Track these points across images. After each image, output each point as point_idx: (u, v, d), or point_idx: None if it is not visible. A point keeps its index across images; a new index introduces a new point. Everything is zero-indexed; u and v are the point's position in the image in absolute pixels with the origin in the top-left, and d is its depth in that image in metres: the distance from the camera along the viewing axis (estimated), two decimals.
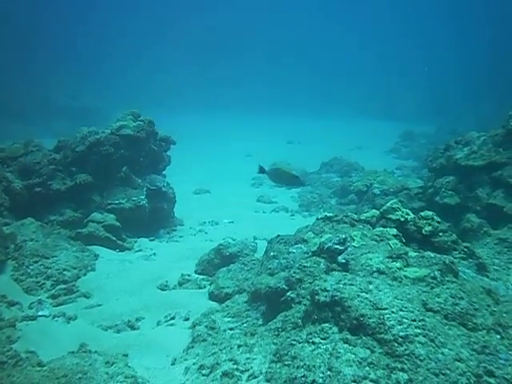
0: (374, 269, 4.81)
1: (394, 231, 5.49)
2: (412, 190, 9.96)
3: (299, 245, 6.02)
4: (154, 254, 8.36)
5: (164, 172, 10.68)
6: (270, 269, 5.90)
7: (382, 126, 29.90)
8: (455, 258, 5.44)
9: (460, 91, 33.39)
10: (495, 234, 6.89)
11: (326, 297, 4.31)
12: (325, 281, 4.54)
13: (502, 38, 39.75)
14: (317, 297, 4.37)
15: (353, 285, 4.38)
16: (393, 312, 4.03)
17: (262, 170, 6.52)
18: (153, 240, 9.21)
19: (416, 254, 5.05)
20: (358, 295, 4.21)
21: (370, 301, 4.14)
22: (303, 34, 55.88)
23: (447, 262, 4.78)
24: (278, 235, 6.48)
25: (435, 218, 5.65)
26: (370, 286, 4.39)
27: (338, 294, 4.24)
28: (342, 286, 4.37)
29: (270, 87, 42.03)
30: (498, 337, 3.98)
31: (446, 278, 4.68)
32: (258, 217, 11.86)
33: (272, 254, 6.16)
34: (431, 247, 5.52)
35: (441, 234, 5.55)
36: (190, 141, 22.44)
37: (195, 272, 7.57)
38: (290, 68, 47.00)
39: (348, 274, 4.73)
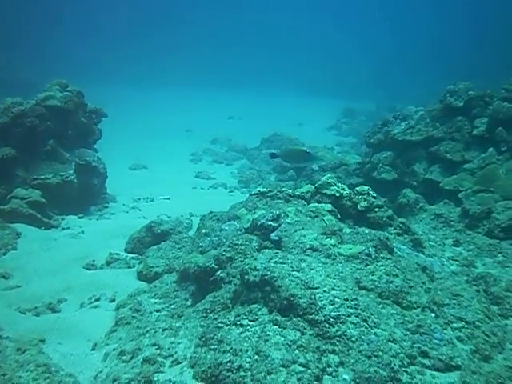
0: (308, 246, 4.59)
1: (329, 207, 5.30)
2: (350, 165, 9.85)
3: (232, 221, 5.75)
4: (83, 231, 7.86)
5: (95, 146, 10.12)
6: (201, 247, 5.62)
7: (325, 104, 29.92)
8: (391, 233, 5.32)
9: (400, 68, 33.83)
10: (431, 209, 6.83)
11: (255, 276, 4.05)
12: (255, 259, 4.28)
13: (442, 18, 40.51)
14: (246, 276, 4.11)
15: (284, 263, 4.14)
16: (325, 291, 3.82)
17: (273, 156, 6.26)
18: (82, 217, 8.69)
19: (351, 230, 4.87)
20: (289, 274, 3.97)
21: (302, 280, 3.91)
22: (254, 7, 54.91)
23: (382, 238, 4.62)
24: (211, 212, 6.19)
25: (371, 193, 5.49)
26: (302, 265, 4.16)
27: (269, 273, 3.99)
28: (272, 264, 4.12)
29: (216, 62, 41.17)
30: (433, 315, 3.85)
31: (381, 255, 4.52)
32: (196, 193, 11.54)
33: (204, 231, 5.87)
34: (367, 223, 5.37)
35: (376, 209, 5.40)
36: (131, 116, 21.74)
37: (125, 250, 7.15)
38: (238, 41, 46.23)
39: (280, 251, 4.49)
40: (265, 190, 5.84)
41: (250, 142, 17.18)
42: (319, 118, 24.87)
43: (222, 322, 3.87)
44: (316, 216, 5.16)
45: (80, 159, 8.99)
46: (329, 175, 5.70)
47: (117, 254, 6.83)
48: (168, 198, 10.64)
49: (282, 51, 44.31)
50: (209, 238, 5.67)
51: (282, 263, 4.15)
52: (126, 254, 6.95)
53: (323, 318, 3.55)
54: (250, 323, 3.74)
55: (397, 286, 4.18)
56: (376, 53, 40.37)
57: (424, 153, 8.38)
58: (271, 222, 5.09)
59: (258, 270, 4.11)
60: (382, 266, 4.41)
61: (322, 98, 32.27)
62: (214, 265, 4.86)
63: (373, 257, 4.47)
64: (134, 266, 6.57)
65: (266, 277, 3.97)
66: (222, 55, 41.82)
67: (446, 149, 8.02)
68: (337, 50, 43.37)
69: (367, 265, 4.40)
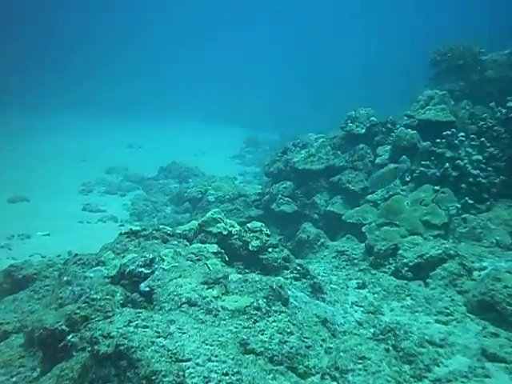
0: (184, 299, 3.67)
1: (215, 248, 4.43)
2: (250, 196, 9.10)
3: (99, 267, 4.72)
4: None
5: None
6: (60, 298, 4.55)
7: (230, 132, 29.32)
8: (287, 278, 4.52)
9: (305, 99, 34.05)
10: (333, 245, 6.15)
11: (108, 346, 3.06)
12: (110, 322, 3.29)
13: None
14: (96, 346, 3.10)
15: (147, 327, 3.19)
16: (198, 364, 2.93)
17: None
18: None
19: (239, 277, 4.01)
20: (153, 342, 3.02)
21: (169, 350, 2.98)
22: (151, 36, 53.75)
23: (275, 286, 3.80)
24: (76, 254, 5.11)
25: (264, 230, 4.68)
26: (172, 328, 3.23)
27: (125, 341, 3.01)
28: (132, 329, 3.15)
29: (115, 87, 39.44)
30: None
31: (273, 308, 3.70)
32: (81, 228, 10.36)
33: (65, 278, 4.78)
34: (259, 266, 4.55)
35: (270, 249, 4.59)
36: (16, 140, 19.97)
37: None
38: (139, 68, 44.71)
39: (144, 310, 3.53)
40: (138, 228, 4.87)
41: (148, 172, 16.14)
42: (224, 147, 24.20)
43: None
44: (198, 259, 4.27)
45: None
46: (215, 210, 4.83)
47: None
48: (48, 235, 9.50)
49: (188, 77, 43.47)
50: (70, 288, 4.61)
51: (144, 327, 3.20)
52: None
53: None
54: None
55: (292, 348, 3.38)
56: (283, 81, 40.60)
57: (326, 183, 7.78)
58: (143, 269, 4.14)
59: (112, 337, 3.12)
60: (274, 321, 3.59)
61: (228, 126, 31.71)
62: (64, 326, 3.80)
63: (263, 311, 3.63)
64: None
65: (122, 347, 2.99)
66: (122, 80, 40.27)
67: (348, 178, 7.45)
68: (242, 77, 43.22)
69: (256, 321, 3.56)
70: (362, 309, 4.80)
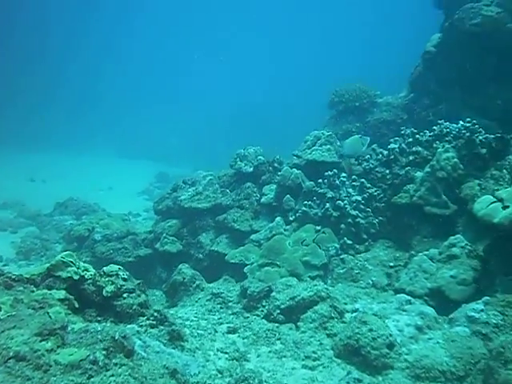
0: (12, 353, 3.30)
1: (63, 294, 4.08)
2: (139, 235, 8.75)
3: None
4: None
5: None
6: None
7: (139, 167, 28.80)
8: (141, 326, 4.24)
9: (219, 135, 34.06)
10: (209, 287, 5.94)
11: None
12: None
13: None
14: None
15: None
16: None
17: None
18: None
19: (81, 326, 3.70)
20: None
21: None
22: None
23: (117, 336, 3.51)
24: None
25: (121, 274, 4.39)
26: None
27: None
28: None
29: (29, 118, 37.63)
30: None
31: (113, 361, 3.40)
32: None
33: None
34: (113, 312, 4.25)
35: (125, 295, 4.30)
36: None
37: None
38: (45, 97, 42.82)
39: None
40: None
41: (49, 208, 15.34)
42: (132, 181, 23.65)
43: None
44: (41, 307, 3.91)
45: None
46: (66, 253, 4.49)
47: None
48: None
49: (99, 111, 42.18)
50: None
51: None
52: None
53: None
54: None
55: None
56: (197, 116, 40.49)
57: (212, 221, 7.62)
58: None
59: None
60: (111, 376, 3.29)
61: (141, 160, 31.18)
62: None
63: (100, 364, 3.33)
64: None
65: None
66: (35, 111, 38.61)
67: (234, 217, 7.33)
68: (159, 111, 42.67)
69: (91, 376, 3.24)
70: (226, 355, 4.59)
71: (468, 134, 6.70)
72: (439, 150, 6.54)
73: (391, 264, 6.40)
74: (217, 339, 4.88)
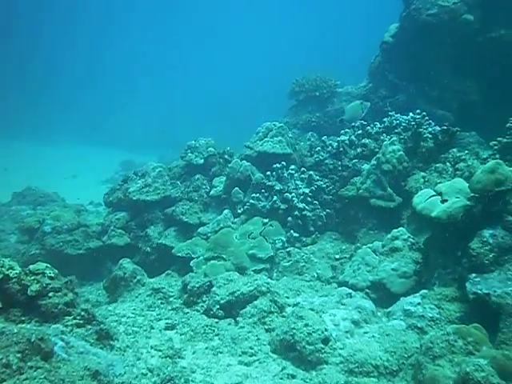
0: None
1: None
2: (91, 226, 8.57)
3: None
4: None
5: None
6: None
7: (105, 154, 28.34)
8: (67, 325, 4.14)
9: (186, 123, 33.73)
10: (150, 282, 5.84)
11: None
12: None
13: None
14: None
15: None
16: None
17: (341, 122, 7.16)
18: None
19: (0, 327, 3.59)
20: None
21: None
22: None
23: (34, 339, 3.41)
24: None
25: (48, 272, 4.27)
26: None
27: None
28: None
29: None
30: None
31: (29, 364, 3.31)
32: None
33: None
34: (38, 312, 4.13)
35: (51, 294, 4.19)
36: None
37: None
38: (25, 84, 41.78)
39: None
40: None
41: (6, 197, 14.97)
42: (98, 170, 23.29)
43: None
44: None
45: None
46: None
47: None
48: None
49: (66, 93, 41.17)
50: None
51: None
52: None
53: None
54: None
55: None
56: (167, 102, 40.03)
57: (161, 214, 7.52)
58: None
59: None
60: (26, 380, 3.21)
61: (107, 148, 30.65)
62: None
63: (14, 368, 3.23)
64: None
65: None
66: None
67: (183, 210, 7.24)
68: (127, 98, 41.99)
69: (3, 380, 3.15)
70: (160, 353, 4.52)
71: (415, 127, 6.71)
72: (385, 142, 6.54)
73: (337, 256, 6.41)
74: (152, 336, 4.81)
